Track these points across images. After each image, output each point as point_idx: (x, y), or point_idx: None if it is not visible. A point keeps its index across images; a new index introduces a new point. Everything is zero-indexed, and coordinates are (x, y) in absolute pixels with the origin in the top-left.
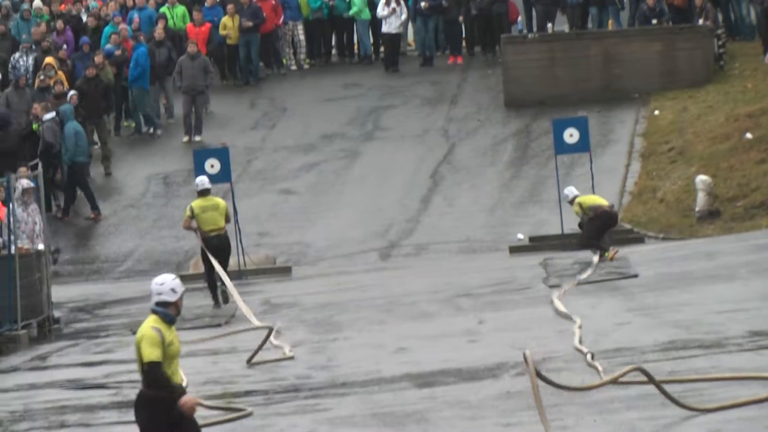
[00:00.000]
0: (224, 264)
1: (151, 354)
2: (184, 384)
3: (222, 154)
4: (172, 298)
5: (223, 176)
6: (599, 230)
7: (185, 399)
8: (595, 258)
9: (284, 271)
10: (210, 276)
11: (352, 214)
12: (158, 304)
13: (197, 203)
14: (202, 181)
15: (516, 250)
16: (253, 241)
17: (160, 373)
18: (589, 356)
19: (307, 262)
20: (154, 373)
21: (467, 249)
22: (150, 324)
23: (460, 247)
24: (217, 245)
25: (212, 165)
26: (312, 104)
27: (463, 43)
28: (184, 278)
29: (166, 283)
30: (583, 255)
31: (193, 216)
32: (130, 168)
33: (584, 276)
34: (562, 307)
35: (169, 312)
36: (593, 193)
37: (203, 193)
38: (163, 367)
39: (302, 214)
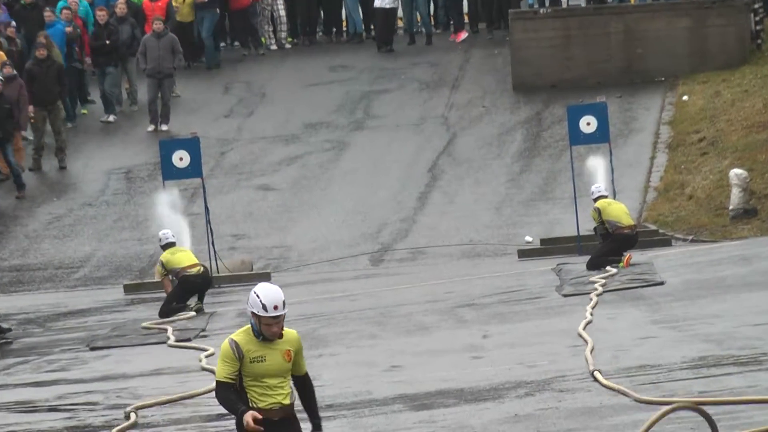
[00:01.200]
0: (203, 295)
1: (218, 372)
2: (287, 403)
3: (192, 145)
4: (260, 312)
5: (193, 170)
6: (613, 253)
7: (246, 420)
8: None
9: (263, 278)
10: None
11: (340, 213)
12: (252, 314)
13: (165, 255)
14: (166, 235)
15: (525, 254)
16: (227, 245)
17: (223, 395)
18: (592, 371)
19: (288, 268)
20: (217, 394)
21: (470, 253)
22: (234, 335)
23: (462, 250)
24: (200, 284)
25: (181, 158)
26: (294, 89)
27: (466, 19)
28: (146, 287)
29: (261, 296)
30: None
31: (166, 270)
32: (88, 161)
33: (602, 283)
34: (582, 330)
35: (255, 325)
36: (614, 193)
37: (168, 246)
38: (235, 386)
39: (283, 213)
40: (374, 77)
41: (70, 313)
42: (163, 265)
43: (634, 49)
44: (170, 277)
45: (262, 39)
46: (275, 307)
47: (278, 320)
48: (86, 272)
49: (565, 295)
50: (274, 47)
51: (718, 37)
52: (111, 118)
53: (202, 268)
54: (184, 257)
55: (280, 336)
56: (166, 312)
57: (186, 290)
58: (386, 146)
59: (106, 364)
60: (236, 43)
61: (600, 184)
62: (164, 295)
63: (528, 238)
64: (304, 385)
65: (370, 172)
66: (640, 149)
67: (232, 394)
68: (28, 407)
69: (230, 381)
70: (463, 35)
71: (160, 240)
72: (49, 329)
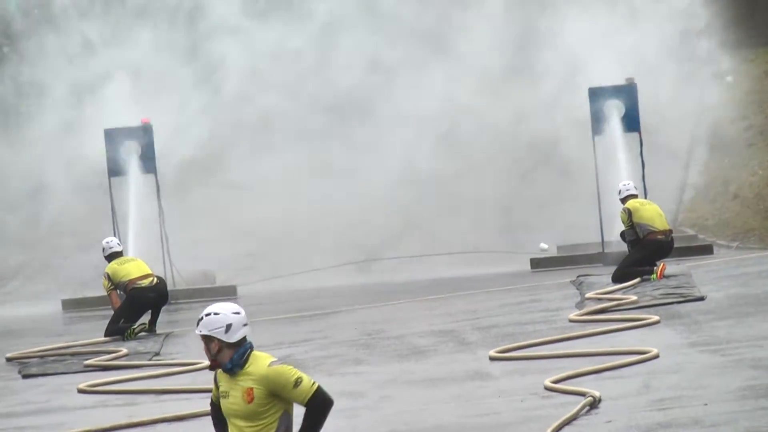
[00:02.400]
0: (158, 312)
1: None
2: None
3: (143, 134)
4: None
5: (144, 165)
6: (644, 262)
7: None
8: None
9: (227, 292)
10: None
11: (320, 214)
12: None
13: (111, 266)
14: (110, 243)
15: (539, 263)
16: (185, 253)
17: (212, 416)
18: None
19: (257, 281)
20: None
21: (474, 261)
22: None
23: (465, 259)
24: (154, 298)
25: (130, 150)
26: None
27: None
28: (90, 301)
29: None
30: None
31: (112, 283)
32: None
33: (632, 299)
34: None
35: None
36: (645, 191)
37: (114, 256)
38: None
39: (252, 215)
40: None
41: None
42: (108, 277)
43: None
44: (118, 291)
45: None
46: (197, 324)
47: (207, 344)
48: (17, 285)
49: (584, 314)
50: None
51: (767, 8)
52: None
53: (155, 280)
54: (134, 267)
55: (240, 367)
56: (112, 331)
57: (137, 306)
58: (377, 136)
59: (40, 395)
60: None
61: (629, 181)
62: (111, 311)
63: (543, 246)
64: (307, 410)
65: (356, 166)
66: (675, 140)
67: (217, 419)
68: None
69: (216, 403)
70: None
71: (104, 249)
72: None
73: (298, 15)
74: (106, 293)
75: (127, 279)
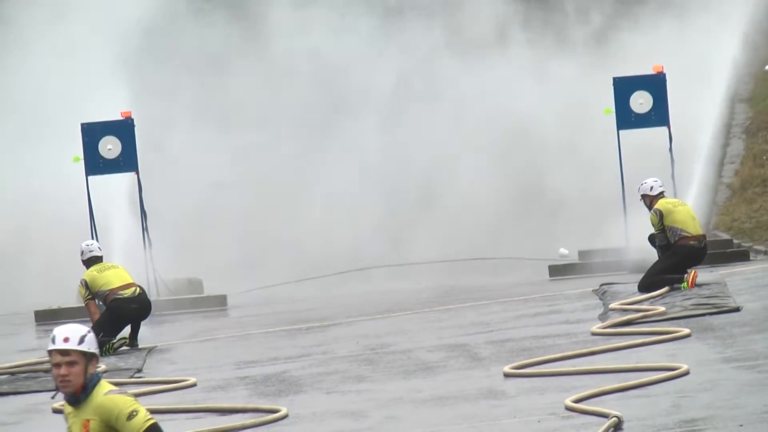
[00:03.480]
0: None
1: None
2: None
3: (124, 129)
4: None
5: (125, 163)
6: (675, 269)
7: None
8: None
9: (216, 303)
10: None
11: (315, 217)
12: None
13: (90, 273)
14: (89, 247)
15: (558, 271)
16: (169, 258)
17: None
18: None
19: (249, 290)
20: None
21: (485, 268)
22: None
23: (474, 265)
24: (136, 310)
25: (109, 147)
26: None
27: None
28: (63, 313)
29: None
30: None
31: (90, 292)
32: None
33: (660, 310)
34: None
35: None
36: (675, 192)
37: (93, 261)
38: None
39: (241, 217)
40: None
41: None
42: (86, 285)
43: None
44: (96, 301)
45: None
46: (64, 340)
47: (69, 366)
48: None
49: (608, 326)
50: None
51: None
52: None
53: (138, 290)
54: (114, 276)
55: (86, 396)
56: None
57: (117, 318)
58: (374, 130)
59: (12, 415)
60: None
61: (655, 178)
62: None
63: (563, 251)
64: None
65: (352, 163)
66: (708, 135)
67: None
68: None
69: None
70: None
71: (83, 253)
72: None
73: None
74: (83, 303)
75: (108, 289)
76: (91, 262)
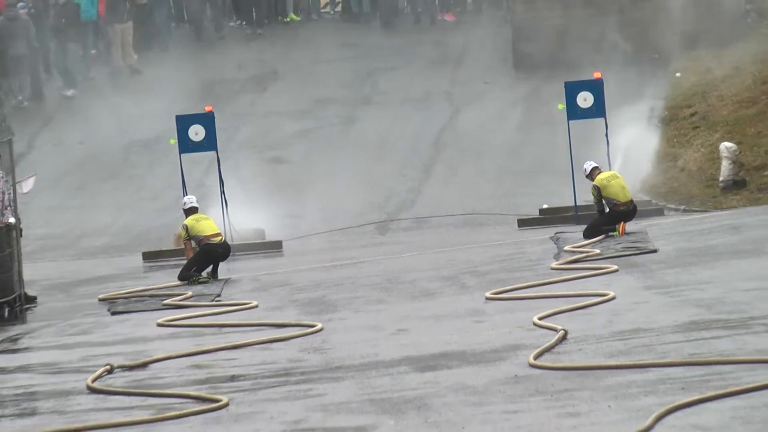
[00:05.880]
0: (218, 264)
1: None
2: None
3: (207, 120)
4: None
5: (207, 144)
6: (609, 222)
7: None
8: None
9: (274, 246)
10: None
11: (348, 184)
12: None
13: (189, 221)
14: (190, 199)
15: (525, 223)
16: (240, 214)
17: None
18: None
19: (298, 237)
20: None
21: (472, 222)
22: None
23: (465, 219)
24: (222, 253)
25: (196, 132)
26: (305, 66)
27: None
28: (164, 254)
29: None
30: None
31: (189, 234)
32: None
33: (597, 252)
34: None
35: None
36: (609, 164)
37: (191, 211)
38: None
39: (293, 184)
40: (381, 55)
41: (91, 280)
42: (187, 229)
43: (630, 28)
44: (192, 243)
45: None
46: None
47: None
48: (107, 241)
49: (562, 263)
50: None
51: (711, 17)
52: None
53: (223, 238)
54: (208, 226)
55: None
56: (185, 277)
57: (208, 258)
58: (392, 121)
59: (126, 328)
60: (242, 22)
61: (590, 162)
62: (182, 261)
63: (545, 206)
64: None
65: (376, 146)
66: (635, 123)
67: None
68: (52, 369)
69: None
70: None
71: (185, 203)
72: (71, 295)
73: None
74: (180, 244)
75: (202, 235)
76: (190, 211)
